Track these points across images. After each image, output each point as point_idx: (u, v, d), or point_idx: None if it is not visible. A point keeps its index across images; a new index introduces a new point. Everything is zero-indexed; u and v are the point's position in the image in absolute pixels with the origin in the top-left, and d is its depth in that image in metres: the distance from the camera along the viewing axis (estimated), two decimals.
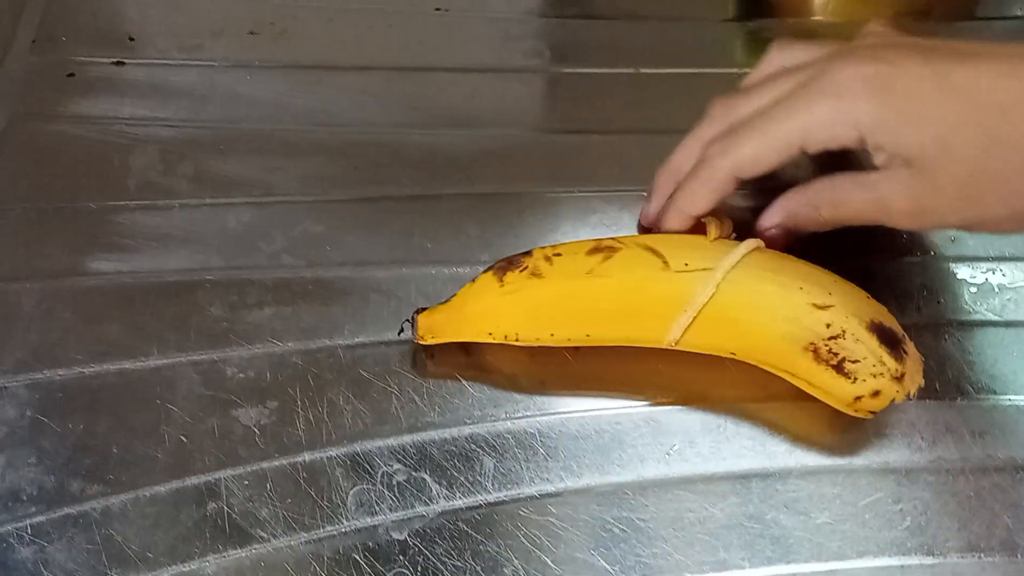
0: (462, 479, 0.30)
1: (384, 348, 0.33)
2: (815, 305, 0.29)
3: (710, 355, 0.31)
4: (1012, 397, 0.32)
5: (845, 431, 0.31)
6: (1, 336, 0.32)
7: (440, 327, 0.32)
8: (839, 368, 0.29)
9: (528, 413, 0.31)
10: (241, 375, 0.32)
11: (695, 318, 0.30)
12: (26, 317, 0.33)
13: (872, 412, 0.30)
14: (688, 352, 0.31)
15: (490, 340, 0.32)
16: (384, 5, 0.42)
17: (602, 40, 0.42)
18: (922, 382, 0.29)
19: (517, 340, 0.31)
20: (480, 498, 0.30)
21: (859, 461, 0.30)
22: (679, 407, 0.31)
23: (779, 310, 0.30)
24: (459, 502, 0.30)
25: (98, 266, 0.34)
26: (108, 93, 0.39)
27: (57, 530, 0.29)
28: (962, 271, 0.35)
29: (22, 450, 0.30)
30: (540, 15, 0.43)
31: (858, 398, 0.29)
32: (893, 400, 0.29)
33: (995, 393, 0.32)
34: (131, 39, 0.40)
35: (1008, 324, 0.33)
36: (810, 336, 0.29)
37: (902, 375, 0.29)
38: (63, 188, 0.36)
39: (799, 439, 0.31)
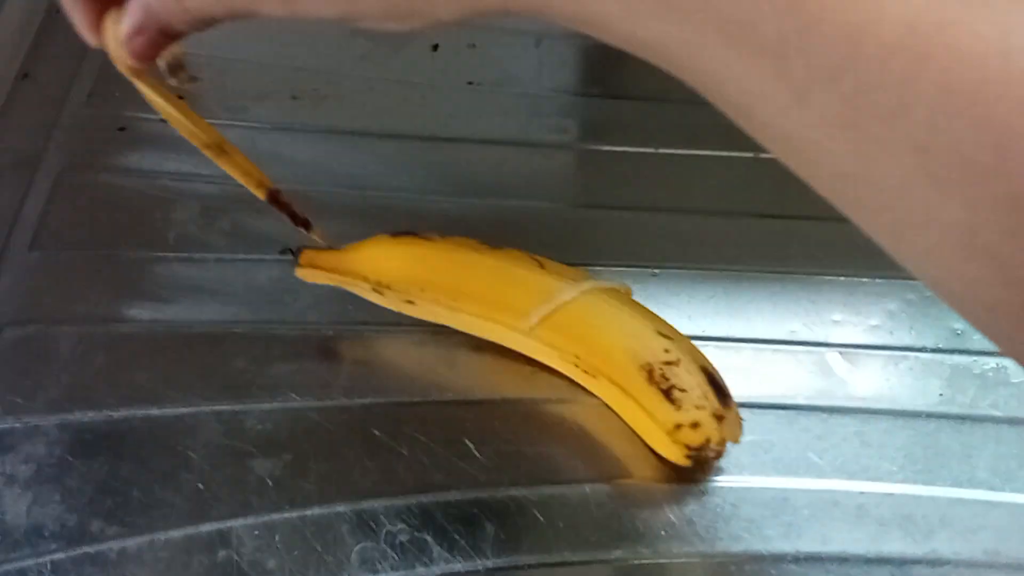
0: (463, 543, 0.31)
1: (396, 409, 0.34)
2: (660, 333, 0.32)
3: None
4: (1011, 495, 0.32)
5: (843, 520, 0.31)
6: (37, 377, 0.34)
7: (322, 261, 0.35)
8: (667, 393, 0.31)
9: (530, 482, 0.32)
10: (259, 427, 0.33)
11: (553, 312, 0.33)
12: (62, 360, 0.34)
13: (689, 449, 0.31)
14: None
15: (363, 287, 0.34)
16: (420, 78, 0.44)
17: (625, 119, 0.44)
18: (738, 439, 0.31)
19: (388, 288, 0.34)
20: (479, 563, 0.31)
21: (854, 550, 0.31)
22: (678, 485, 0.32)
23: (626, 327, 0.33)
24: (458, 565, 0.30)
25: (134, 314, 0.36)
26: (155, 148, 0.41)
27: (75, 568, 0.30)
28: (965, 364, 0.35)
29: (48, 488, 0.32)
30: (566, 93, 0.45)
31: (678, 426, 0.31)
32: (708, 442, 0.31)
33: (994, 489, 0.32)
34: (180, 97, 0.42)
35: (1011, 421, 0.34)
36: (648, 356, 0.32)
37: (722, 417, 0.31)
38: (107, 236, 0.38)
39: (795, 525, 0.31)
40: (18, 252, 0.37)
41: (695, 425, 0.31)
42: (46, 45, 0.44)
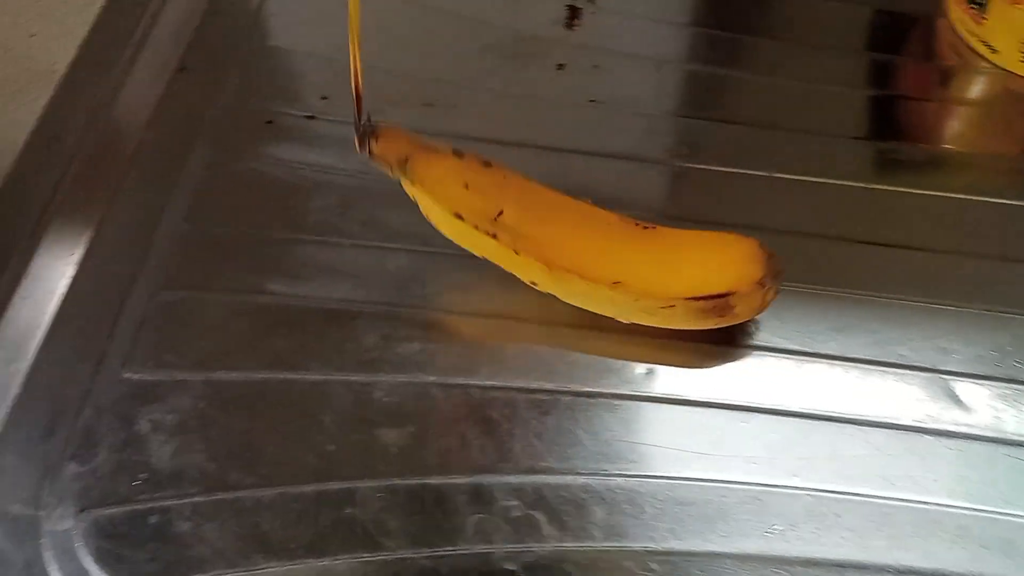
0: (572, 524, 0.32)
1: (514, 394, 0.36)
2: None
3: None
4: None
5: (944, 539, 0.32)
6: (187, 336, 0.37)
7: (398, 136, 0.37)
8: None
9: (640, 473, 0.34)
10: (386, 399, 0.35)
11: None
12: (209, 323, 0.37)
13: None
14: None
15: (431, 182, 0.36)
16: (545, 93, 0.47)
17: (737, 143, 0.45)
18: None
19: (466, 187, 0.36)
20: (588, 544, 0.32)
21: (954, 568, 0.31)
22: (786, 490, 0.33)
23: None
24: (568, 544, 0.32)
25: (274, 287, 0.38)
26: (299, 141, 0.44)
27: (214, 512, 0.32)
28: None
29: (191, 437, 0.34)
30: (684, 115, 0.47)
31: None
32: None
33: None
34: (323, 98, 0.46)
35: None
36: None
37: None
38: (252, 216, 0.41)
39: (899, 538, 0.32)
40: (173, 223, 0.40)
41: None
42: (203, 41, 0.48)
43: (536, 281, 0.37)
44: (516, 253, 0.36)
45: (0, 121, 0.80)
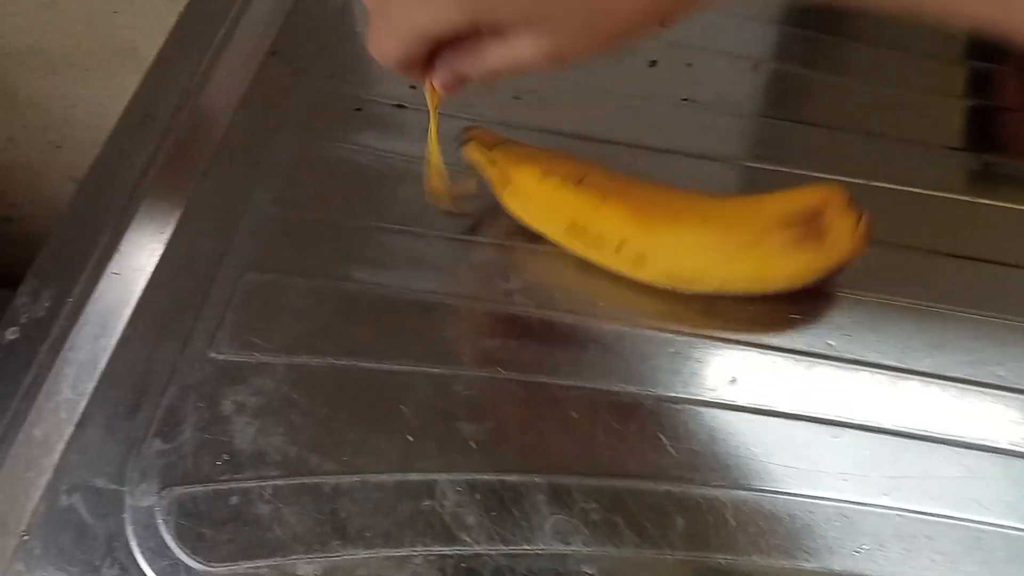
0: (652, 531, 0.32)
1: (593, 394, 0.35)
2: None
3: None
4: None
5: None
6: (270, 320, 0.37)
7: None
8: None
9: (723, 483, 0.33)
10: (466, 392, 0.35)
11: None
12: (293, 307, 0.37)
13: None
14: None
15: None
16: (636, 91, 0.46)
17: (830, 148, 0.44)
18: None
19: (553, 158, 0.38)
20: (667, 553, 0.31)
21: None
22: (875, 508, 0.32)
23: None
24: (647, 552, 0.31)
25: (358, 274, 0.39)
26: (387, 130, 0.44)
27: (294, 496, 0.33)
28: None
29: (273, 420, 0.34)
30: (776, 117, 0.46)
31: None
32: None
33: None
34: (412, 87, 0.46)
35: None
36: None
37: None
38: (339, 204, 0.41)
39: (991, 564, 0.31)
40: (261, 206, 0.41)
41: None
42: (294, 26, 0.49)
43: (623, 239, 0.37)
44: (603, 202, 0.37)
45: (83, 95, 0.82)
